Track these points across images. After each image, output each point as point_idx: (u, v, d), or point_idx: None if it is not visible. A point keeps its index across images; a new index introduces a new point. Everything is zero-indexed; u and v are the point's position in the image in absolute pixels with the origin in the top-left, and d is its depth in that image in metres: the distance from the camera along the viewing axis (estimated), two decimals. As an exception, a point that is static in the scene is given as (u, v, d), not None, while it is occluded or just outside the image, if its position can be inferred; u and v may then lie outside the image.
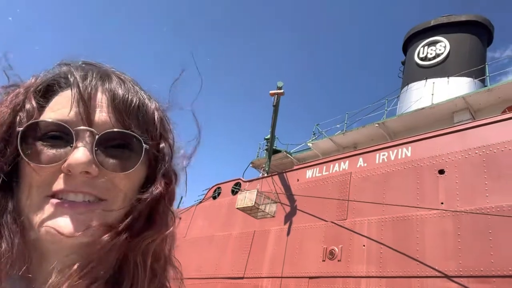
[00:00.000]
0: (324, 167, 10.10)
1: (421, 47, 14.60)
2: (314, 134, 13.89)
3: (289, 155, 13.04)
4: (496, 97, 9.75)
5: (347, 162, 9.58)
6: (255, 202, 9.04)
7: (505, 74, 12.31)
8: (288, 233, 9.53)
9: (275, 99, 11.06)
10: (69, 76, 0.56)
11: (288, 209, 10.05)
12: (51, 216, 0.50)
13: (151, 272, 0.58)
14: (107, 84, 0.56)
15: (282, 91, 10.71)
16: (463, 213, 6.71)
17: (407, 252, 7.09)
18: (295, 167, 11.08)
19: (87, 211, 0.51)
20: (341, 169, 9.62)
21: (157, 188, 0.58)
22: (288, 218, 9.84)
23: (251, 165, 14.48)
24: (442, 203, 7.18)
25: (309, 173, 10.40)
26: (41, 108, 0.55)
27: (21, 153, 0.50)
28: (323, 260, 8.28)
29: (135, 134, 0.55)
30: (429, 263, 6.75)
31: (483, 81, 12.26)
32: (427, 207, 7.25)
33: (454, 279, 6.38)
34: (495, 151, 7.00)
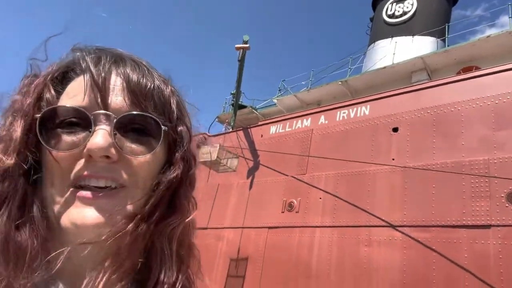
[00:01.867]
0: (288, 123, 10.30)
1: (390, 3, 14.53)
2: (279, 90, 13.99)
3: (254, 111, 13.15)
4: (452, 58, 10.10)
5: (309, 119, 9.81)
6: (216, 157, 9.20)
7: (474, 33, 12.63)
8: (251, 187, 9.87)
9: (241, 53, 10.90)
10: (81, 61, 0.56)
11: (251, 164, 10.32)
12: (74, 206, 0.49)
13: (178, 259, 0.58)
14: (121, 67, 0.56)
15: (247, 45, 10.54)
16: (411, 168, 7.20)
17: (359, 204, 7.60)
18: (259, 123, 11.22)
19: (109, 198, 0.51)
20: (303, 126, 9.86)
21: (176, 171, 0.57)
22: (251, 172, 10.15)
23: (217, 119, 14.50)
24: (393, 159, 7.63)
25: (272, 129, 10.59)
26: (59, 95, 0.55)
27: (41, 141, 0.50)
28: (282, 212, 8.73)
29: (153, 116, 0.54)
30: (377, 214, 7.30)
31: (444, 41, 12.59)
32: (380, 163, 7.69)
33: (399, 228, 6.97)
34: (445, 111, 7.39)
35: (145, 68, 0.58)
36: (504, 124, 6.53)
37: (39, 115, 0.50)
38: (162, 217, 0.56)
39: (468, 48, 9.79)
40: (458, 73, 9.30)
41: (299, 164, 9.16)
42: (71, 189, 0.50)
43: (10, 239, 0.48)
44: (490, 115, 6.74)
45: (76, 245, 0.49)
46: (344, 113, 9.12)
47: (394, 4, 14.36)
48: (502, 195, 6.05)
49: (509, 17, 9.80)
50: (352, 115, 8.95)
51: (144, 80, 0.56)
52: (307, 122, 9.81)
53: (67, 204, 0.50)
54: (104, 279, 0.50)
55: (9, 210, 0.49)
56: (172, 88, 0.61)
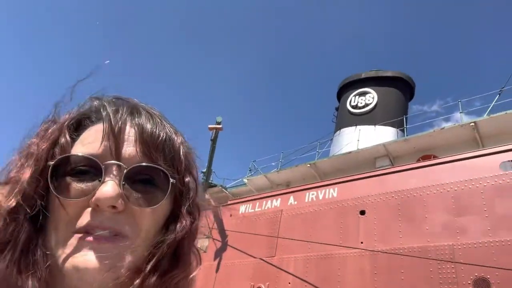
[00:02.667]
0: (258, 203, 10.28)
1: (353, 96, 15.77)
2: (250, 170, 14.19)
3: (224, 190, 13.10)
4: (412, 146, 10.84)
5: (279, 200, 9.86)
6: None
7: (431, 126, 13.73)
8: (217, 269, 9.39)
9: (214, 133, 11.20)
10: (101, 110, 0.57)
11: (219, 244, 9.96)
12: (77, 251, 0.49)
13: None
14: (136, 118, 0.57)
15: (220, 126, 10.90)
16: (379, 252, 7.19)
17: (329, 290, 7.34)
18: (229, 202, 11.12)
19: (111, 243, 0.50)
20: (273, 206, 9.85)
21: (183, 226, 0.57)
22: (219, 253, 9.73)
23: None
24: (361, 243, 7.63)
25: (242, 208, 10.49)
26: (73, 142, 0.55)
27: (51, 187, 0.50)
28: (249, 298, 8.24)
29: (163, 169, 0.54)
30: (348, 301, 7.04)
31: (403, 131, 13.59)
32: (349, 246, 7.65)
33: (370, 317, 6.70)
34: (408, 196, 7.70)
35: (158, 120, 0.60)
36: (463, 211, 6.83)
37: (52, 162, 0.51)
38: (166, 270, 0.54)
39: (426, 138, 10.61)
40: (418, 161, 9.90)
41: (269, 245, 8.94)
42: (75, 235, 0.50)
43: (12, 283, 0.47)
44: (450, 201, 7.06)
45: None
46: (313, 194, 9.27)
47: (357, 96, 15.63)
48: (469, 281, 6.07)
49: (460, 112, 10.89)
50: (320, 196, 9.10)
51: (157, 131, 0.57)
52: (276, 202, 9.83)
53: (70, 249, 0.49)
54: None
55: (12, 253, 0.48)
56: (182, 139, 0.63)
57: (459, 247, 6.48)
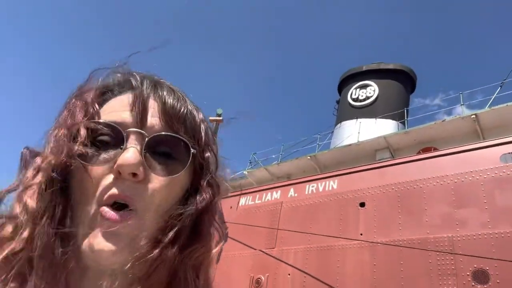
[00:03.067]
0: (258, 195, 10.29)
1: (354, 89, 15.75)
2: (250, 163, 14.19)
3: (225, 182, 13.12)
4: (412, 139, 10.82)
5: (279, 192, 9.87)
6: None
7: (433, 119, 13.67)
8: (217, 261, 9.41)
9: (214, 126, 11.18)
10: (125, 82, 0.60)
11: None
12: (93, 229, 0.49)
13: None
14: (159, 91, 0.58)
15: (221, 118, 10.86)
16: (379, 244, 7.20)
17: (328, 281, 7.36)
18: (229, 194, 11.08)
19: (129, 221, 0.49)
20: (273, 198, 9.87)
21: (203, 198, 0.57)
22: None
23: (187, 190, 14.27)
24: (361, 234, 7.64)
25: (242, 200, 10.51)
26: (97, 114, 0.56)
27: (74, 155, 0.50)
28: (249, 289, 8.28)
29: (184, 138, 0.55)
30: (347, 291, 7.07)
31: (404, 124, 13.56)
32: (348, 237, 7.67)
33: (370, 308, 6.74)
34: (408, 188, 7.69)
35: (180, 95, 0.61)
36: (463, 203, 6.82)
37: (77, 130, 0.52)
38: (186, 244, 0.54)
39: (427, 130, 10.58)
40: (418, 153, 9.89)
41: (268, 237, 8.96)
42: (95, 207, 0.50)
43: (49, 251, 0.47)
44: (450, 193, 7.05)
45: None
46: (313, 186, 9.27)
47: (358, 89, 15.59)
48: (468, 273, 6.09)
49: (461, 105, 10.85)
50: (320, 189, 9.10)
51: (178, 104, 0.58)
52: (276, 194, 9.84)
53: (88, 227, 0.49)
54: None
55: (49, 223, 0.48)
56: (203, 116, 0.63)
57: (459, 239, 6.48)
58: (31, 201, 0.49)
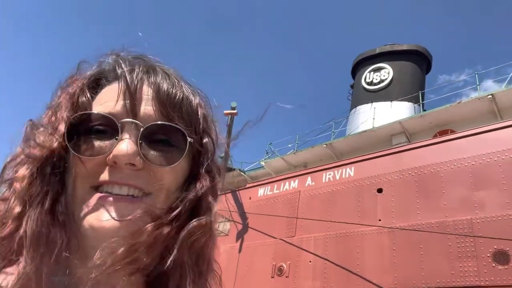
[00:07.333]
0: (275, 185, 10.45)
1: (368, 72, 15.51)
2: (267, 153, 14.34)
3: (242, 174, 13.33)
4: (428, 122, 10.72)
5: (296, 181, 10.00)
6: (208, 221, 9.11)
7: (460, 96, 13.34)
8: (240, 251, 9.71)
9: (229, 119, 11.34)
10: (116, 68, 0.58)
11: (240, 226, 10.24)
12: (94, 209, 0.49)
13: (199, 273, 0.57)
14: (152, 77, 0.57)
15: (235, 111, 11.02)
16: (397, 229, 7.29)
17: (349, 267, 7.52)
18: (247, 185, 11.35)
19: (130, 203, 0.50)
20: (291, 188, 10.01)
21: (202, 184, 0.57)
22: (240, 235, 10.04)
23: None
24: (379, 220, 7.73)
25: (261, 191, 10.70)
26: (91, 101, 0.56)
27: (68, 145, 0.51)
28: (272, 277, 8.53)
29: (179, 127, 0.55)
30: (367, 277, 7.21)
31: (420, 106, 13.37)
32: (367, 223, 7.78)
33: (391, 291, 6.87)
34: (425, 172, 7.70)
35: (175, 79, 0.60)
36: (481, 185, 6.81)
37: (70, 120, 0.52)
38: (184, 225, 0.54)
39: (442, 113, 10.46)
40: (434, 136, 9.80)
41: (288, 226, 9.15)
42: (93, 191, 0.51)
43: (43, 232, 0.48)
44: (468, 176, 7.03)
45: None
46: (329, 174, 9.36)
47: (372, 72, 15.37)
48: (488, 254, 6.13)
49: (477, 85, 10.65)
50: (337, 176, 9.18)
51: (173, 90, 0.57)
52: (294, 183, 9.98)
53: (87, 206, 0.50)
54: (109, 268, 0.48)
55: (41, 206, 0.49)
56: (200, 100, 0.62)
57: (478, 221, 6.50)
58: (22, 185, 0.50)
